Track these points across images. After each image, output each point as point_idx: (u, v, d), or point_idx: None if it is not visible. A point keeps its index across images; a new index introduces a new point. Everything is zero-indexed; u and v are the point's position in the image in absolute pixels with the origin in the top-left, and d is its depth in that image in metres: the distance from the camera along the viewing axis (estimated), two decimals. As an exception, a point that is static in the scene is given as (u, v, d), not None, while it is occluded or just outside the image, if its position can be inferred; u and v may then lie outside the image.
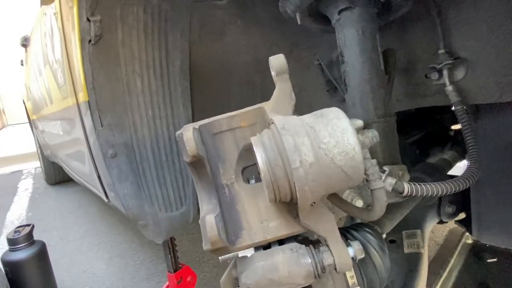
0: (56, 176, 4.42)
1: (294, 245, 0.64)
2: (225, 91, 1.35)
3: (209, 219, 0.64)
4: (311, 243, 0.67)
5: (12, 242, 1.73)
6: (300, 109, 0.73)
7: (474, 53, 0.98)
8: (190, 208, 1.25)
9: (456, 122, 1.76)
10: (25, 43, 3.00)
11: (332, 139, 0.57)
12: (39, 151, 4.37)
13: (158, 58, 1.12)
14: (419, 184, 0.79)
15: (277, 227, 0.66)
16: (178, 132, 0.70)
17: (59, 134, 2.11)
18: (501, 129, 1.08)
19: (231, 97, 1.36)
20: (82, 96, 1.10)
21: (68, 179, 3.98)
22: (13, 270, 1.70)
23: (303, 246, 0.64)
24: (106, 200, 1.33)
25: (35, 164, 5.59)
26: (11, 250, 1.73)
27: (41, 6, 1.38)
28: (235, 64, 1.33)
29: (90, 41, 0.99)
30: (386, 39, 1.04)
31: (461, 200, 1.31)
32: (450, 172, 1.53)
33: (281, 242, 0.67)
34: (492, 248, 1.86)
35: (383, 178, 0.78)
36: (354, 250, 0.64)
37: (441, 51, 1.01)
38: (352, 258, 0.64)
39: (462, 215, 1.36)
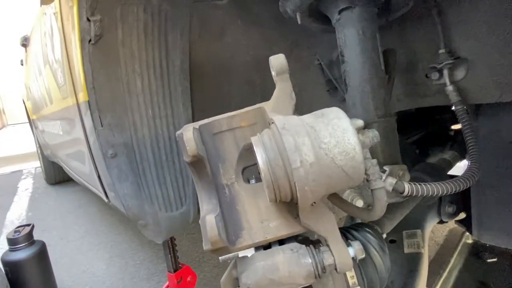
0: (56, 176, 4.42)
1: (294, 245, 0.64)
2: (225, 91, 1.35)
3: (209, 219, 0.64)
4: (312, 243, 0.67)
5: (12, 242, 1.73)
6: (300, 109, 0.73)
7: (475, 53, 0.98)
8: (190, 208, 1.25)
9: (456, 122, 1.77)
10: (25, 43, 3.00)
11: (333, 139, 0.57)
12: (39, 151, 4.37)
13: (158, 58, 1.12)
14: (419, 184, 0.79)
15: (278, 227, 0.66)
16: (178, 132, 0.70)
17: (59, 134, 2.11)
18: (501, 129, 1.08)
19: (231, 97, 1.36)
20: (82, 96, 1.10)
21: (68, 179, 3.98)
22: (13, 270, 1.70)
23: (304, 246, 0.64)
24: (106, 200, 1.33)
25: (35, 164, 5.59)
26: (11, 250, 1.73)
27: (41, 5, 1.38)
28: (235, 64, 1.33)
29: (90, 41, 0.99)
30: (386, 39, 1.04)
31: (461, 200, 1.31)
32: (450, 172, 1.53)
33: (281, 242, 0.67)
34: (492, 248, 1.86)
35: (383, 178, 0.78)
36: (354, 250, 0.64)
37: (442, 51, 1.01)
38: (353, 258, 0.64)
39: (462, 215, 1.36)
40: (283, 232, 0.65)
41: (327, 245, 0.63)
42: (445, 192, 0.81)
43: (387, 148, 0.92)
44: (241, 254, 0.67)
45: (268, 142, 0.59)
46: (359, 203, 0.88)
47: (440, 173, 1.32)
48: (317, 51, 1.34)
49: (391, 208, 1.03)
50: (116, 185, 1.11)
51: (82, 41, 0.99)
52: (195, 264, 2.22)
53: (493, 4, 0.91)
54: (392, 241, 1.27)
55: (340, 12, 0.92)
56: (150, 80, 1.11)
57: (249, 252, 0.66)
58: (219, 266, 2.17)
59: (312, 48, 1.36)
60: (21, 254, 1.72)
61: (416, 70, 1.14)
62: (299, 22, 1.01)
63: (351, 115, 0.77)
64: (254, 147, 0.60)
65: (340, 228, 0.69)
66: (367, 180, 0.68)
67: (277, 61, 0.71)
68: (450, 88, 1.01)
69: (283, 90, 0.72)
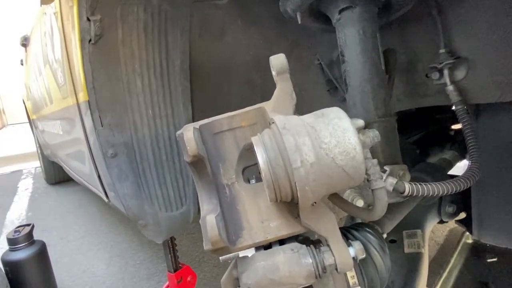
0: (56, 175, 4.42)
1: (295, 245, 0.64)
2: (225, 90, 1.35)
3: (210, 219, 0.64)
4: (312, 243, 0.67)
5: (12, 242, 1.73)
6: (301, 108, 0.72)
7: (475, 52, 0.98)
8: (190, 207, 1.25)
9: (456, 122, 1.77)
10: (25, 42, 3.00)
11: (333, 139, 0.57)
12: (39, 151, 4.37)
13: (158, 58, 1.12)
14: (420, 184, 0.79)
15: (278, 227, 0.65)
16: (178, 132, 0.70)
17: (59, 133, 2.11)
18: (502, 129, 1.08)
19: (231, 97, 1.36)
20: (82, 96, 1.10)
21: (68, 178, 3.98)
22: (13, 270, 1.70)
23: (304, 246, 0.64)
24: (106, 200, 1.33)
25: (35, 164, 5.59)
26: (11, 250, 1.73)
27: (41, 5, 1.38)
28: (235, 63, 1.33)
29: (90, 40, 0.99)
30: (386, 38, 1.04)
31: (462, 200, 1.31)
32: (450, 172, 1.53)
33: (282, 242, 0.67)
34: (493, 247, 1.86)
35: (384, 178, 0.78)
36: (355, 250, 0.64)
37: (442, 50, 1.01)
38: (353, 258, 0.64)
39: (462, 215, 1.36)
40: (284, 232, 0.65)
41: (328, 245, 0.63)
42: (445, 192, 0.81)
43: (387, 148, 0.92)
44: (241, 254, 0.67)
45: (269, 142, 0.59)
46: (360, 203, 0.88)
47: (440, 173, 1.32)
48: (318, 51, 1.34)
49: (392, 208, 1.03)
50: (116, 185, 1.11)
51: (82, 40, 0.99)
52: (195, 264, 2.22)
53: (494, 3, 0.91)
54: (392, 241, 1.27)
55: (340, 12, 0.92)
56: (150, 80, 1.11)
57: (250, 252, 0.66)
58: (219, 266, 2.17)
59: (313, 48, 1.36)
60: (21, 254, 1.72)
61: (417, 70, 1.14)
62: (299, 22, 1.01)
63: (351, 115, 0.77)
64: (255, 147, 0.60)
65: (340, 228, 0.69)
66: (368, 180, 0.68)
67: (278, 61, 0.71)
68: (450, 88, 1.01)
69: (283, 90, 0.72)
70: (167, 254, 1.46)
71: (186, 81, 1.19)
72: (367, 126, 0.70)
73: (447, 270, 1.81)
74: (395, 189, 0.79)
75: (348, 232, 0.83)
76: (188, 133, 0.68)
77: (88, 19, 0.97)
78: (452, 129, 1.90)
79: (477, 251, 1.93)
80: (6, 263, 1.71)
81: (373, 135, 0.64)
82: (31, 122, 4.26)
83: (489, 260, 1.82)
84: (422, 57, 1.11)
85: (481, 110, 1.11)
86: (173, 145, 1.19)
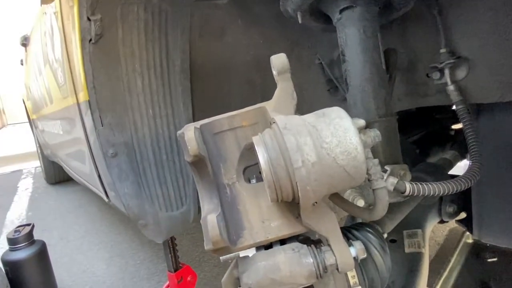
0: (56, 175, 4.42)
1: (295, 245, 0.64)
2: (225, 90, 1.35)
3: (211, 219, 0.63)
4: (313, 243, 0.67)
5: (12, 241, 1.73)
6: (301, 108, 0.72)
7: (476, 52, 0.98)
8: (190, 207, 1.25)
9: (457, 122, 1.77)
10: (25, 42, 3.00)
11: (334, 139, 0.56)
12: (39, 151, 4.36)
13: (159, 57, 1.11)
14: (420, 184, 0.79)
15: (279, 226, 0.65)
16: (179, 132, 0.70)
17: (59, 133, 2.11)
18: (502, 129, 1.08)
19: (231, 97, 1.36)
20: (83, 96, 1.09)
21: (68, 178, 3.98)
22: (13, 269, 1.70)
23: (305, 246, 0.63)
24: (106, 200, 1.33)
25: (35, 164, 5.58)
26: (11, 249, 1.73)
27: (41, 5, 1.38)
28: (236, 63, 1.33)
29: (90, 40, 0.99)
30: (387, 38, 1.04)
31: (462, 200, 1.31)
32: (451, 172, 1.52)
33: (282, 242, 0.67)
34: (493, 247, 1.86)
35: (385, 177, 0.78)
36: (356, 250, 0.64)
37: (443, 50, 1.01)
38: (354, 258, 0.63)
39: (462, 215, 1.36)
40: (285, 232, 0.65)
41: (329, 245, 0.63)
42: (446, 192, 0.81)
43: (388, 147, 0.92)
44: (242, 254, 0.67)
45: (270, 142, 0.59)
46: (360, 202, 0.88)
47: (441, 173, 1.32)
48: (318, 50, 1.34)
49: (392, 207, 1.03)
50: (116, 185, 1.11)
51: (82, 40, 0.99)
52: (195, 264, 2.22)
53: (494, 3, 0.90)
54: (392, 241, 1.27)
55: (341, 11, 0.92)
56: (150, 80, 1.11)
57: (250, 252, 0.66)
58: (220, 266, 2.17)
59: (313, 47, 1.36)
60: (21, 254, 1.72)
61: (417, 69, 1.14)
62: (299, 22, 1.00)
63: (352, 114, 0.77)
64: (256, 147, 0.60)
65: (341, 228, 0.68)
66: (369, 180, 0.68)
67: (279, 61, 0.71)
68: (451, 87, 1.01)
69: (284, 90, 0.72)
70: (167, 254, 1.45)
71: (186, 80, 1.18)
72: (368, 125, 0.69)
73: (448, 269, 1.81)
74: (396, 189, 0.79)
75: (349, 232, 0.83)
76: (189, 132, 0.68)
77: (89, 19, 0.96)
78: (453, 129, 1.90)
79: (477, 251, 1.93)
80: (6, 263, 1.71)
81: (374, 134, 0.64)
82: (31, 122, 4.25)
83: (489, 260, 1.82)
84: (422, 56, 1.11)
85: (481, 110, 1.11)
86: (173, 145, 1.19)
